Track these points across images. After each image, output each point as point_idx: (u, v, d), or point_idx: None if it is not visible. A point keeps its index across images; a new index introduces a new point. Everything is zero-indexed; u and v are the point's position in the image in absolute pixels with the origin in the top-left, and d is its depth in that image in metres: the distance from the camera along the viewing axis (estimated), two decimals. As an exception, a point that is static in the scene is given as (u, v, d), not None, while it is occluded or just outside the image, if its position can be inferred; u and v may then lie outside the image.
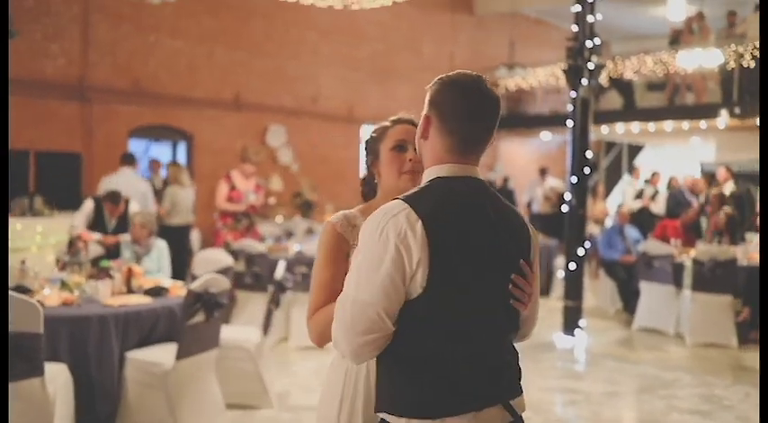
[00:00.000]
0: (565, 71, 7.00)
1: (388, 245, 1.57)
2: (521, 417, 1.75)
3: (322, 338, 1.84)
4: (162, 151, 11.06)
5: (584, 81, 6.94)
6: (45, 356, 3.93)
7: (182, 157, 10.89)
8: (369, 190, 2.11)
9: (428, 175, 1.74)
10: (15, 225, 7.13)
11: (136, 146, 10.47)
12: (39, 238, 7.02)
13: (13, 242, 6.90)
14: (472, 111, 1.70)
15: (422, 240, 1.57)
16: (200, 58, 10.54)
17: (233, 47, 10.94)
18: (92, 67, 9.40)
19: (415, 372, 1.63)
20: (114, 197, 6.61)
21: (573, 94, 7.04)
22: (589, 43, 6.92)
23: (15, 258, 5.91)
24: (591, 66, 6.92)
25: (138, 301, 4.47)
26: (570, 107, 7.13)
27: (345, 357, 1.68)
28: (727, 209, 8.37)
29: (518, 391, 1.76)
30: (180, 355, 4.14)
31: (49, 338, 4.04)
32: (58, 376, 3.88)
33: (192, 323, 4.16)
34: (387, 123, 2.06)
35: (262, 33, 11.34)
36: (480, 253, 1.64)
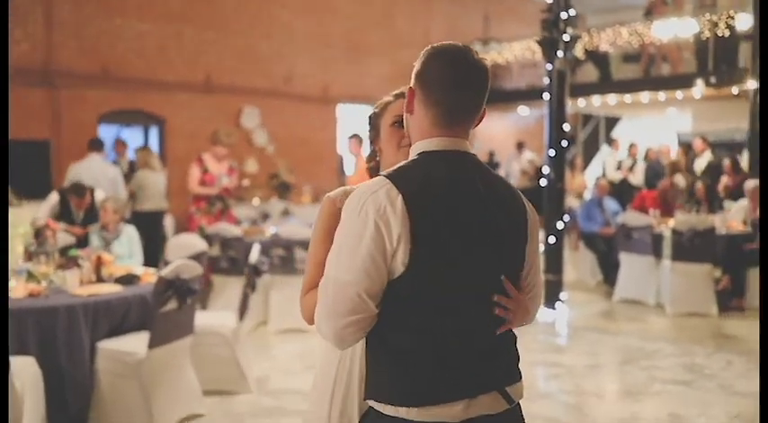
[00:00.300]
0: (540, 43, 6.91)
1: (368, 222, 1.50)
2: (518, 404, 1.67)
3: (312, 318, 1.74)
4: (134, 136, 10.84)
5: (560, 53, 6.85)
6: (13, 350, 3.84)
7: (154, 141, 10.68)
8: (375, 165, 2.03)
9: (414, 149, 1.66)
10: (-18, 216, 6.96)
11: (106, 131, 10.24)
12: (10, 228, 6.85)
13: (-21, 233, 6.74)
14: (458, 80, 1.61)
15: (402, 216, 1.49)
16: (168, 39, 10.30)
17: (203, 27, 10.70)
18: (57, 51, 9.15)
19: (402, 356, 1.54)
20: (78, 190, 6.43)
21: (549, 66, 6.95)
22: (564, 15, 6.82)
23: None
24: (566, 37, 6.83)
25: (109, 289, 4.34)
26: (546, 80, 7.05)
27: (329, 341, 1.60)
28: (704, 178, 8.38)
29: (515, 377, 1.68)
30: (153, 344, 4.03)
31: (16, 331, 3.93)
32: (26, 370, 3.76)
33: (164, 311, 4.05)
34: (389, 98, 1.99)
35: (232, 12, 11.10)
36: (469, 228, 1.56)
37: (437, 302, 1.54)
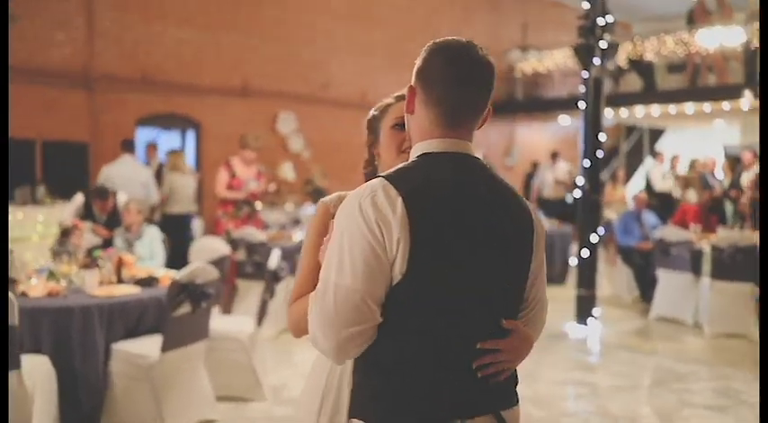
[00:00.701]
0: (575, 50, 6.71)
1: (370, 224, 1.40)
2: None
3: (298, 328, 1.67)
4: (171, 140, 10.98)
5: (597, 61, 6.65)
6: (27, 348, 3.85)
7: (190, 145, 10.79)
8: (371, 171, 1.95)
9: (414, 151, 1.57)
10: (17, 214, 7.10)
11: (144, 135, 10.39)
12: (40, 227, 6.97)
13: (13, 231, 6.87)
14: (461, 77, 1.52)
15: (402, 219, 1.40)
16: (207, 45, 10.41)
17: (242, 33, 10.79)
18: (98, 55, 9.32)
19: (394, 370, 1.44)
20: (101, 193, 6.51)
21: (585, 74, 6.75)
22: (601, 21, 6.62)
23: (15, 248, 5.84)
24: (603, 45, 6.62)
25: (125, 291, 4.34)
26: (582, 88, 6.85)
27: (327, 354, 1.47)
28: (750, 193, 8.05)
29: (512, 401, 1.57)
30: (165, 347, 4.00)
31: (32, 330, 3.94)
32: (39, 369, 3.76)
33: (177, 314, 4.02)
34: (390, 100, 1.91)
35: (271, 19, 11.17)
36: (472, 231, 1.46)
37: (437, 310, 1.44)
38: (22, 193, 7.52)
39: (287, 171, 11.08)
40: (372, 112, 1.94)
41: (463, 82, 1.52)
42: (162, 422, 3.99)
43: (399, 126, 1.81)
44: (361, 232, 1.40)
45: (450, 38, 1.58)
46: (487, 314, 1.50)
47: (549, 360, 5.90)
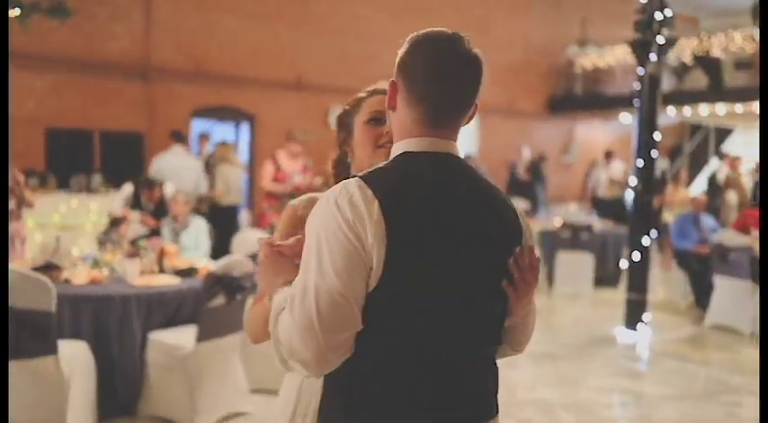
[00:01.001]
0: (631, 45, 6.47)
1: (348, 223, 1.33)
2: None
3: (256, 334, 1.59)
4: (225, 131, 11.15)
5: (653, 56, 6.39)
6: (67, 334, 3.95)
7: (245, 137, 10.93)
8: (341, 171, 1.85)
9: (395, 149, 1.48)
10: (71, 202, 7.33)
11: (199, 126, 10.58)
12: (93, 215, 7.17)
13: (66, 219, 7.10)
14: (445, 73, 1.43)
15: (378, 224, 1.32)
16: (262, 37, 10.51)
17: (296, 26, 10.85)
18: (154, 47, 9.52)
19: (366, 383, 1.37)
20: (149, 183, 6.65)
21: (640, 70, 6.50)
22: (659, 15, 6.37)
23: (67, 235, 6.02)
24: (661, 40, 6.36)
25: (165, 281, 4.40)
26: (637, 85, 6.61)
27: (306, 366, 1.33)
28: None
29: (491, 411, 1.50)
30: (200, 338, 4.04)
31: (72, 316, 4.03)
32: (77, 355, 3.85)
33: (212, 306, 4.06)
34: (362, 94, 1.81)
35: (326, 13, 11.19)
36: (452, 232, 1.38)
37: (416, 314, 1.36)
38: (78, 182, 7.75)
39: (337, 165, 11.11)
40: (344, 107, 1.84)
41: (447, 79, 1.43)
42: (195, 412, 4.03)
43: (374, 121, 1.72)
44: (341, 231, 1.33)
45: (434, 29, 1.48)
46: (470, 317, 1.42)
47: (594, 365, 5.73)
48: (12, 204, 4.75)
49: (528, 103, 14.29)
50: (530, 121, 14.43)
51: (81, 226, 6.95)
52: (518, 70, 13.67)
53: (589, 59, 13.23)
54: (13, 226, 4.67)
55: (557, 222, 9.45)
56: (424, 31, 1.49)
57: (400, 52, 1.49)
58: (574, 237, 9.10)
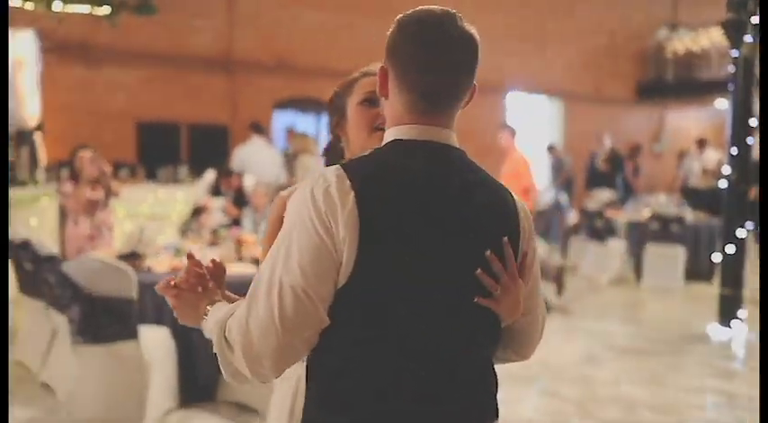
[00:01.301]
0: (723, 26, 6.10)
1: (320, 216, 1.27)
2: None
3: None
4: (306, 123, 11.30)
5: (748, 38, 6.01)
6: (150, 321, 4.07)
7: (325, 129, 11.05)
8: (333, 157, 1.78)
9: (386, 136, 1.41)
10: (158, 192, 7.62)
11: (281, 118, 10.76)
12: (179, 205, 7.42)
13: (153, 208, 7.37)
14: (435, 59, 1.34)
15: (350, 217, 1.25)
16: (341, 29, 10.57)
17: (375, 17, 10.83)
18: (236, 41, 9.74)
19: (349, 376, 1.30)
20: (227, 171, 6.85)
21: (734, 53, 6.12)
22: (755, -7, 5.97)
23: (155, 224, 6.25)
24: (756, 20, 5.97)
25: (240, 270, 4.47)
26: (731, 68, 6.22)
27: (261, 363, 1.28)
28: None
29: (490, 414, 1.40)
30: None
31: (155, 303, 4.16)
32: (158, 340, 3.96)
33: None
34: (355, 75, 1.75)
35: (404, 2, 11.12)
36: (440, 223, 1.31)
37: (397, 301, 1.29)
38: (165, 173, 8.04)
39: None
40: (335, 90, 1.77)
41: (439, 65, 1.34)
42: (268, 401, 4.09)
43: (368, 102, 1.65)
44: (311, 223, 1.27)
45: (422, 8, 1.39)
46: (459, 309, 1.33)
47: (683, 363, 5.46)
48: (100, 194, 4.95)
49: (615, 90, 13.78)
50: (617, 109, 13.92)
51: (168, 215, 7.19)
52: (605, 55, 13.21)
53: (682, 43, 12.61)
54: (100, 215, 4.86)
55: (645, 214, 9.09)
56: (411, 11, 1.40)
57: (388, 35, 1.40)
58: (663, 229, 8.74)
